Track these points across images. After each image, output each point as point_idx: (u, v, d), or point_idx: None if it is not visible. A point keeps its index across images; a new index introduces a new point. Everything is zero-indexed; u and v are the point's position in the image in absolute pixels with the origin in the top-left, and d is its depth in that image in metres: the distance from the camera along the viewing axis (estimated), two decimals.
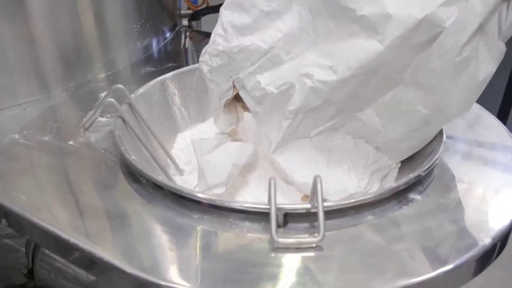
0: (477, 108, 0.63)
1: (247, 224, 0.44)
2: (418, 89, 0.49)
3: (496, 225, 0.44)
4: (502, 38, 0.45)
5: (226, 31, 0.55)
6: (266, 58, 0.54)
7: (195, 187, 0.58)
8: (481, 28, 0.44)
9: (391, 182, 0.54)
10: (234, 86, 0.58)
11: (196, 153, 0.55)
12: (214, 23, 0.58)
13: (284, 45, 0.54)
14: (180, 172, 0.62)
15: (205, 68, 0.58)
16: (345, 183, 0.54)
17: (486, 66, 0.45)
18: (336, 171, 0.55)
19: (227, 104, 0.60)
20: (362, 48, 0.48)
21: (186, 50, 0.94)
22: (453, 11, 0.44)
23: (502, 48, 0.45)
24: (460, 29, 0.44)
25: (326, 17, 0.50)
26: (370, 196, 0.45)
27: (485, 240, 0.42)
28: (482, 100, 0.61)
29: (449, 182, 0.50)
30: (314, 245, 0.41)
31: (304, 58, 0.53)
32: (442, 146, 0.52)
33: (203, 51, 0.57)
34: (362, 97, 0.52)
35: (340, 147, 0.56)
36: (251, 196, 0.57)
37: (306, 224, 0.44)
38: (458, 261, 0.40)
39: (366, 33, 0.48)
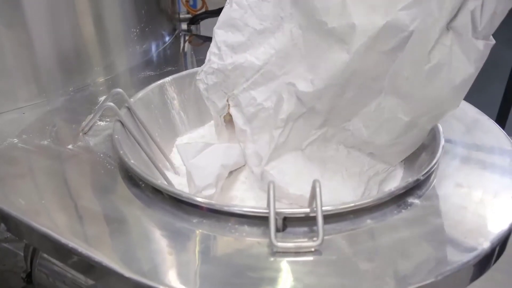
0: (476, 112, 0.63)
1: (246, 228, 0.44)
2: (397, 97, 0.49)
3: (495, 229, 0.44)
4: (481, 37, 0.43)
5: (220, 50, 0.57)
6: (260, 74, 0.56)
7: None
8: (453, 31, 0.43)
9: (397, 184, 0.54)
10: (228, 104, 0.59)
11: (182, 158, 0.56)
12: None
13: (277, 61, 0.55)
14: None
15: (201, 86, 0.59)
16: (340, 194, 0.53)
17: (463, 69, 0.44)
18: (331, 182, 0.55)
19: (228, 120, 0.61)
20: (333, 60, 0.49)
21: (185, 54, 0.94)
22: (416, 14, 0.44)
23: (481, 47, 0.43)
24: (424, 36, 0.44)
25: (312, 32, 0.51)
26: (368, 200, 0.45)
27: (484, 244, 0.42)
28: (481, 104, 0.61)
29: (447, 186, 0.50)
30: (313, 249, 0.41)
31: (296, 72, 0.53)
32: (440, 150, 0.52)
33: (199, 70, 0.59)
34: (344, 107, 0.53)
35: (334, 157, 0.56)
36: (237, 198, 0.57)
37: (305, 228, 0.44)
38: (457, 265, 0.40)
39: (338, 45, 0.49)
